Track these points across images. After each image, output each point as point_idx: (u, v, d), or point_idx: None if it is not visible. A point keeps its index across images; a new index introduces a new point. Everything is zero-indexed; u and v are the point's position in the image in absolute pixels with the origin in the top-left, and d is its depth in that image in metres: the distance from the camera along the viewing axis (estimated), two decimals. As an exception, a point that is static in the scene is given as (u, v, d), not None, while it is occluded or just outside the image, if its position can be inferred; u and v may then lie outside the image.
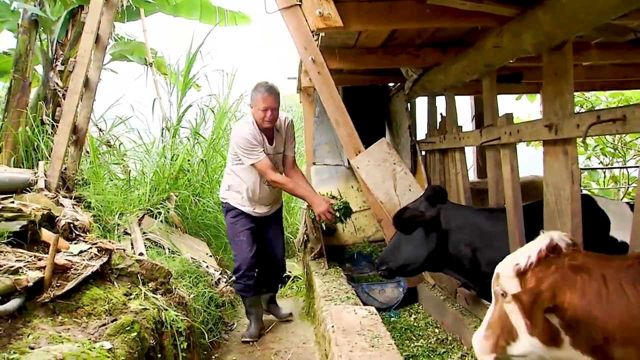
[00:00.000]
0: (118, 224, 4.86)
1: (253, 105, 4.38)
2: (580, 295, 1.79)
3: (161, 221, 5.57)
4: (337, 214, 4.58)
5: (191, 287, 4.37)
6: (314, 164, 6.13)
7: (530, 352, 1.93)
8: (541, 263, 1.90)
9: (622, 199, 9.56)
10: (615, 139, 10.73)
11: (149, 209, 5.70)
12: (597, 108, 8.17)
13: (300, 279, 6.17)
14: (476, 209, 3.96)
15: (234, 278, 4.81)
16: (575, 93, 8.93)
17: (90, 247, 3.38)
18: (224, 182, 4.85)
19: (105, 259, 3.32)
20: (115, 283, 3.38)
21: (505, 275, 1.98)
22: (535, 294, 1.81)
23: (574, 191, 2.73)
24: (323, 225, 4.71)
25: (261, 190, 4.65)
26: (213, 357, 4.28)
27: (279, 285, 5.54)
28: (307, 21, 4.15)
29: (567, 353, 1.86)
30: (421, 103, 6.20)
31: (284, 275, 5.34)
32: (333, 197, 5.02)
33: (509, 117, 3.50)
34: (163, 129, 7.66)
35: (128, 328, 2.88)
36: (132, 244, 4.53)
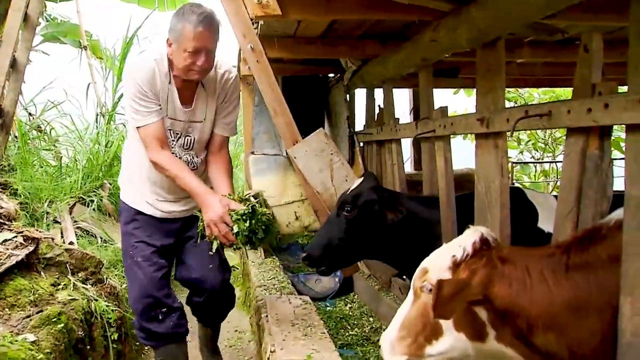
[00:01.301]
0: (47, 212, 4.68)
1: (174, 41, 2.72)
2: (508, 285, 1.85)
3: (94, 209, 5.42)
4: (235, 228, 2.69)
5: (124, 277, 4.27)
6: (252, 153, 6.08)
7: (452, 349, 1.94)
8: (475, 255, 1.93)
9: (551, 192, 9.95)
10: (546, 135, 11.15)
11: (81, 197, 5.53)
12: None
13: (237, 268, 6.13)
14: (414, 196, 3.99)
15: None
16: (509, 89, 9.24)
17: (16, 236, 3.25)
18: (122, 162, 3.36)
19: (31, 248, 3.20)
20: (42, 273, 3.27)
21: (437, 269, 1.96)
22: (463, 284, 1.84)
23: (503, 184, 2.81)
24: (214, 243, 2.80)
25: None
26: (146, 347, 4.20)
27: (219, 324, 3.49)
28: (246, 8, 4.11)
29: (490, 346, 1.91)
30: (360, 95, 6.27)
31: (230, 305, 3.38)
32: (244, 200, 2.83)
33: (443, 110, 3.57)
34: (98, 114, 7.46)
35: (54, 319, 2.80)
36: (62, 233, 4.37)
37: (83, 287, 3.42)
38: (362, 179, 3.61)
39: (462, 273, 1.91)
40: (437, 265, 1.97)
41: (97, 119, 7.40)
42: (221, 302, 3.27)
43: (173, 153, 2.96)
